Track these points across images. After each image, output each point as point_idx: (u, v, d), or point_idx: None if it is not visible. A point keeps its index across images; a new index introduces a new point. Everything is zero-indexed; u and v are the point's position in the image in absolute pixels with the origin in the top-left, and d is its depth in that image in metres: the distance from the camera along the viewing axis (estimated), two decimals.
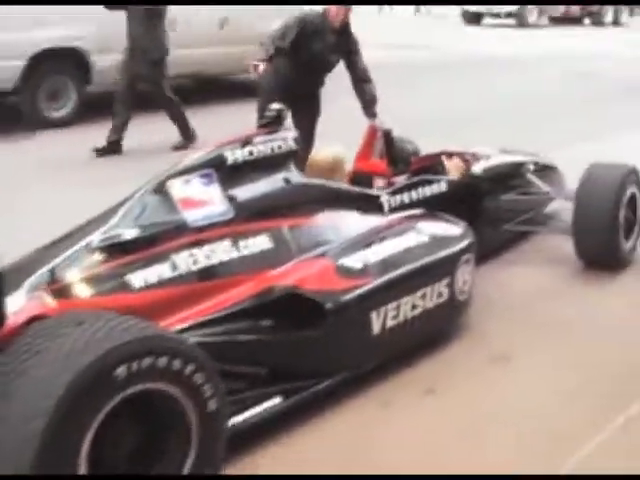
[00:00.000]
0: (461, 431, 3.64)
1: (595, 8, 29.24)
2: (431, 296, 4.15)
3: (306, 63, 6.34)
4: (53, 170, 7.63)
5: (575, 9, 28.87)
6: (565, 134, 9.41)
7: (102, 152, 8.19)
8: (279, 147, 4.30)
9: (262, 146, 4.24)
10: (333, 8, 6.23)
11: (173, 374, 2.74)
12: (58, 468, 2.52)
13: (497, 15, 26.70)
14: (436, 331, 4.37)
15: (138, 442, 2.86)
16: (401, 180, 5.10)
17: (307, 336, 3.69)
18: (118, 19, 8.29)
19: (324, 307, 3.70)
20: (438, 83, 13.81)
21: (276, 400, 3.55)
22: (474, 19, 26.91)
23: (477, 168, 5.62)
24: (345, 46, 6.36)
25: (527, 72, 15.21)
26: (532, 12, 26.75)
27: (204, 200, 3.93)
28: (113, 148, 8.29)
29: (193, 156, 4.14)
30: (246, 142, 4.24)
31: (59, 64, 9.29)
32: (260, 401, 3.51)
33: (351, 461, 3.41)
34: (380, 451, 3.50)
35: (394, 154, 5.27)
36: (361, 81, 6.36)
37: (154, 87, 8.42)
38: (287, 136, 4.40)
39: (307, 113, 6.53)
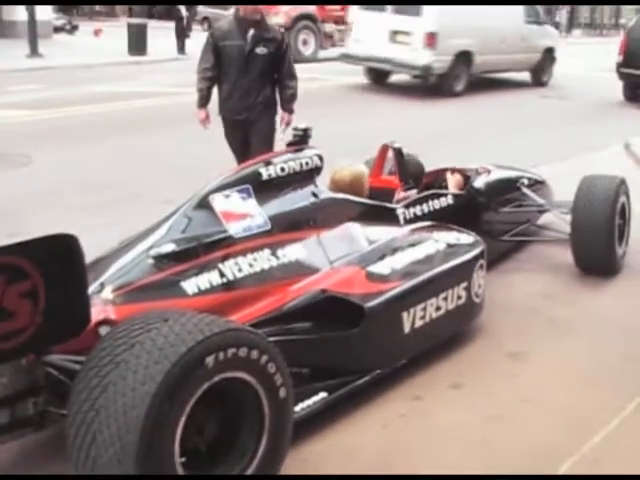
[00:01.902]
0: (488, 419, 3.96)
1: None
2: (452, 298, 4.49)
3: (234, 64, 6.37)
4: None
5: None
6: None
7: None
8: (307, 164, 4.64)
9: (292, 163, 4.56)
10: (242, 6, 6.39)
11: (251, 363, 3.02)
12: (158, 452, 2.76)
13: None
14: (456, 331, 4.71)
15: (218, 429, 3.13)
16: (412, 194, 5.43)
17: (346, 336, 3.99)
18: (488, 35, 16.07)
19: (362, 308, 4.01)
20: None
21: (321, 395, 3.84)
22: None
23: (479, 183, 5.98)
24: (270, 35, 6.44)
25: None
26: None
27: (244, 213, 4.24)
28: None
29: (229, 172, 4.45)
30: (269, 162, 4.56)
31: (462, 59, 15.90)
32: (307, 397, 3.79)
33: (390, 451, 3.70)
34: (416, 440, 3.80)
35: (404, 171, 5.58)
36: (286, 77, 6.50)
37: None
38: (313, 153, 4.74)
39: (260, 137, 6.49)
